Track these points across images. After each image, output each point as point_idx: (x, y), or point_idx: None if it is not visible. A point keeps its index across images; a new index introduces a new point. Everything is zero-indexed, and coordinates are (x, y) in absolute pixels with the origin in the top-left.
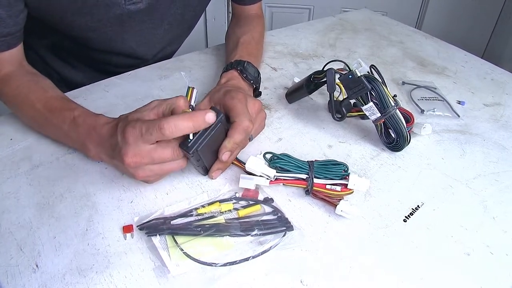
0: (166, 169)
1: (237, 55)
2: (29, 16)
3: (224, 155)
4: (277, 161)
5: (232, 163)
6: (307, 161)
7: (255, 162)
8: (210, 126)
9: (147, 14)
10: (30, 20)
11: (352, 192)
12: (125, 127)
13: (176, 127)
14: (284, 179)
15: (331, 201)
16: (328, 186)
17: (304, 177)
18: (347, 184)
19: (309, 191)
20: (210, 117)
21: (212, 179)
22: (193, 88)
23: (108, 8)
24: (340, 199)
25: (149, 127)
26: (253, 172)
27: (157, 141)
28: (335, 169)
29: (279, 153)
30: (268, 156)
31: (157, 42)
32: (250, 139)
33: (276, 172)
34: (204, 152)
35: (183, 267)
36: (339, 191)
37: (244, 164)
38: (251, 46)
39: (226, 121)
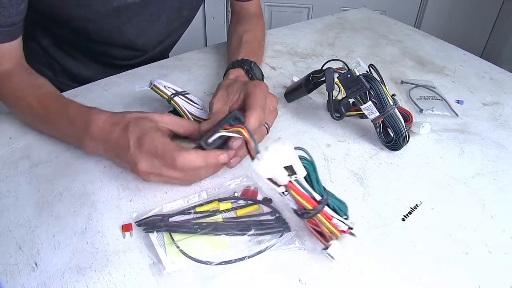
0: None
1: (241, 53)
2: (32, 8)
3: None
4: (304, 164)
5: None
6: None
7: (290, 150)
8: None
9: (144, 6)
10: (33, 12)
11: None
12: (141, 137)
13: (189, 164)
14: (299, 189)
15: (323, 238)
16: (334, 221)
17: (318, 199)
18: (351, 228)
19: (308, 216)
20: (222, 158)
21: (231, 167)
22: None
23: (106, 0)
24: (332, 238)
25: (164, 154)
26: (277, 164)
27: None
28: (341, 206)
29: (308, 157)
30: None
31: (156, 34)
32: (267, 130)
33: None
34: None
35: (179, 265)
36: (342, 230)
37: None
38: (254, 45)
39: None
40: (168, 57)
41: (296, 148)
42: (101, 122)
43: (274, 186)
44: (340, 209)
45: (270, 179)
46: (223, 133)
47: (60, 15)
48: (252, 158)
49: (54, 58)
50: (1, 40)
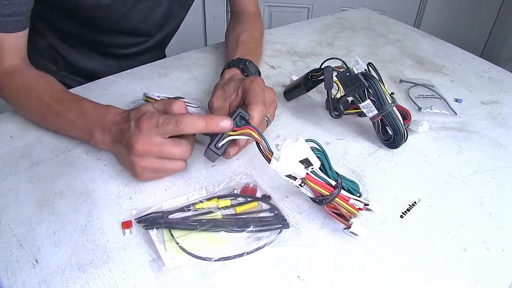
0: (167, 167)
1: (238, 53)
2: (39, 1)
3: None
4: (317, 155)
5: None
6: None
7: (303, 144)
8: None
9: None
10: (39, 5)
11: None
12: (141, 115)
13: (191, 124)
14: (315, 179)
15: (344, 218)
16: (350, 201)
17: (333, 184)
18: (367, 204)
19: (327, 202)
20: (225, 124)
21: (228, 158)
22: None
23: None
24: (352, 217)
25: (166, 119)
26: (294, 160)
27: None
28: (354, 186)
29: (318, 147)
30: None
31: (158, 18)
32: (268, 122)
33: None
34: None
35: (178, 261)
36: (360, 209)
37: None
38: (251, 44)
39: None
40: (166, 48)
41: (307, 141)
42: (112, 115)
43: (291, 181)
44: (354, 189)
45: (288, 175)
46: (232, 136)
47: (71, 5)
48: (267, 158)
49: (58, 51)
50: (10, 30)
